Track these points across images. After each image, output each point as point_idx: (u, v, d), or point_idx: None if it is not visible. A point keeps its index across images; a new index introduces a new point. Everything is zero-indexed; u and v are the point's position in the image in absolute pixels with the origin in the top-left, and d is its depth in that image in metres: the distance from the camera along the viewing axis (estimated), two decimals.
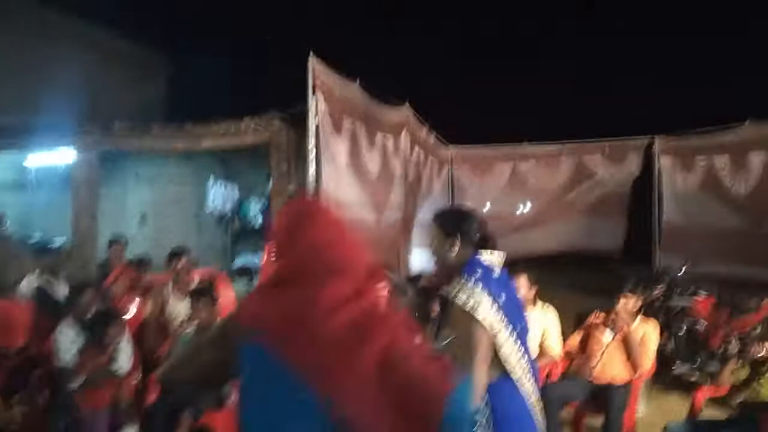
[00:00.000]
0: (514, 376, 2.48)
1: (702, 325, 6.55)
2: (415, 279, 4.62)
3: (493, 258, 2.61)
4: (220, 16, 20.31)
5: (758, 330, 6.05)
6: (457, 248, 2.63)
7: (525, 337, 2.58)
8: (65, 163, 10.55)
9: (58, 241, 9.42)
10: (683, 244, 11.47)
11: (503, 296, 2.51)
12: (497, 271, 2.59)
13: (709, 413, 4.82)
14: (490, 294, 2.46)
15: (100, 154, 10.39)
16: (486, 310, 2.43)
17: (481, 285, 2.46)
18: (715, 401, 5.26)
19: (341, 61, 8.40)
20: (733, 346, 6.04)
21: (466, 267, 2.55)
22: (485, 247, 2.63)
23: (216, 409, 4.48)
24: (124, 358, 4.53)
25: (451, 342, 2.56)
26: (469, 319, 2.43)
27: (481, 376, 2.40)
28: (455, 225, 2.68)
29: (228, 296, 6.12)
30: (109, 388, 4.30)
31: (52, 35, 13.49)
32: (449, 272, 2.63)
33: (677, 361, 6.53)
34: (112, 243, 7.14)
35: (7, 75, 12.03)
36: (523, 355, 2.52)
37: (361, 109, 9.06)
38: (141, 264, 6.60)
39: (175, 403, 4.36)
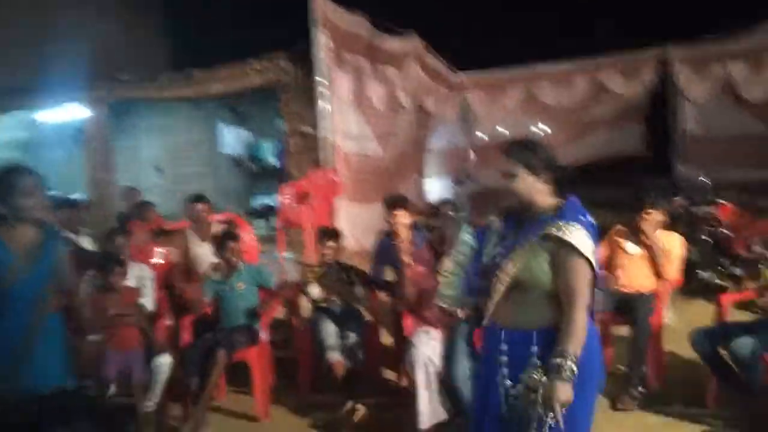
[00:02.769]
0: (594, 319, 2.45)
1: (724, 231, 6.52)
2: (440, 207, 4.60)
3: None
4: None
5: None
6: (540, 183, 2.50)
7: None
8: (76, 119, 10.56)
9: (75, 196, 9.50)
10: (702, 152, 11.35)
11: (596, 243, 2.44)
12: (590, 217, 2.47)
13: (736, 318, 4.83)
14: (592, 242, 2.40)
15: (110, 107, 10.38)
16: (590, 251, 2.37)
17: (585, 232, 2.38)
18: (741, 306, 5.29)
19: None
20: (756, 250, 6.04)
21: (567, 211, 2.45)
22: (563, 183, 2.52)
23: (249, 346, 4.61)
24: (149, 293, 4.62)
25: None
26: (583, 261, 2.36)
27: (584, 320, 2.34)
28: (535, 157, 2.51)
29: (249, 238, 6.17)
30: (136, 328, 4.39)
31: None
32: (528, 209, 2.53)
33: (701, 269, 6.54)
34: (126, 192, 7.23)
35: (11, 36, 11.90)
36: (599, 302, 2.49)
37: (365, 41, 8.90)
38: (143, 208, 6.60)
39: (210, 342, 4.47)
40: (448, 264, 3.04)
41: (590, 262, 2.37)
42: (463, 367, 3.82)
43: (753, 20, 10.64)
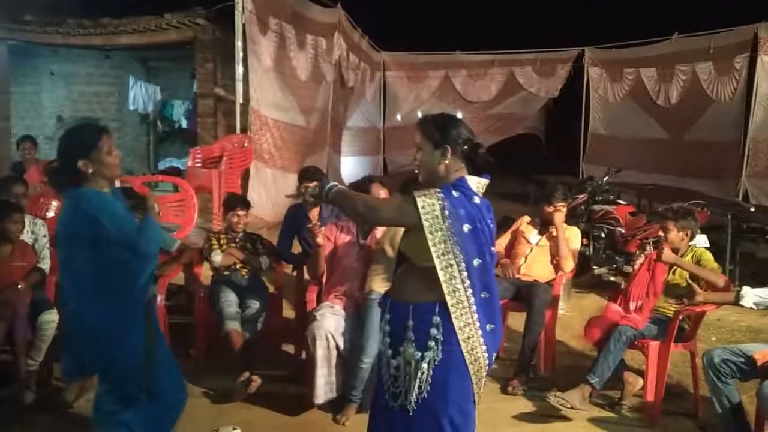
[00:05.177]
0: (449, 302, 2.36)
1: (620, 230, 6.83)
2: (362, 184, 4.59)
3: (478, 184, 2.47)
4: None
5: None
6: (447, 161, 2.46)
7: (486, 274, 2.44)
8: None
9: None
10: (607, 153, 11.84)
11: (474, 225, 2.37)
12: (477, 200, 2.43)
13: None
14: (452, 215, 2.33)
15: (10, 49, 9.74)
16: (428, 207, 2.32)
17: (445, 203, 2.33)
18: None
19: None
20: (649, 250, 6.37)
21: (447, 185, 2.42)
22: (474, 163, 2.48)
23: None
24: (47, 255, 4.41)
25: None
26: (407, 198, 2.36)
27: (364, 204, 2.46)
28: (444, 134, 2.47)
29: (189, 204, 5.89)
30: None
31: None
32: (434, 184, 2.46)
33: (596, 264, 6.84)
34: (21, 141, 6.85)
35: None
36: (469, 288, 2.37)
37: (290, 8, 8.72)
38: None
39: None
40: None
41: (416, 209, 2.33)
42: (375, 346, 3.84)
43: (666, 32, 11.17)
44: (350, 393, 3.93)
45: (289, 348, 4.95)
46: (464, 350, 2.39)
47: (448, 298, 2.36)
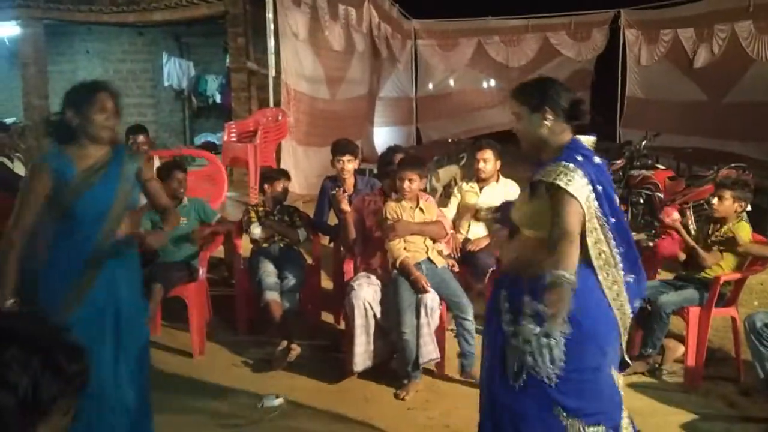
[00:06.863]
0: (596, 265, 2.30)
1: (659, 196, 6.73)
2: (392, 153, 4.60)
3: (587, 142, 2.40)
4: None
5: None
6: (548, 122, 2.36)
7: (621, 229, 2.38)
8: (9, 37, 10.04)
9: (9, 121, 9.08)
10: (644, 117, 11.61)
11: (603, 185, 2.31)
12: (598, 160, 2.35)
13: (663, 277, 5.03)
14: (590, 182, 2.27)
15: (46, 28, 9.88)
16: (580, 189, 2.24)
17: (581, 171, 2.25)
18: (668, 268, 5.51)
19: None
20: (688, 217, 6.28)
21: (565, 151, 2.33)
22: (578, 119, 2.40)
23: (187, 282, 4.54)
24: None
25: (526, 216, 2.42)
26: (570, 199, 2.23)
27: (573, 249, 2.21)
28: (541, 96, 2.37)
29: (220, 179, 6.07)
30: None
31: None
32: (540, 151, 2.41)
33: (634, 230, 6.76)
34: None
35: None
36: (614, 248, 2.32)
37: None
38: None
39: (146, 277, 4.37)
40: None
41: (579, 201, 2.24)
42: (411, 316, 3.89)
43: None
44: (410, 371, 3.93)
45: (329, 318, 5.03)
46: (614, 308, 2.34)
47: (594, 261, 2.30)
